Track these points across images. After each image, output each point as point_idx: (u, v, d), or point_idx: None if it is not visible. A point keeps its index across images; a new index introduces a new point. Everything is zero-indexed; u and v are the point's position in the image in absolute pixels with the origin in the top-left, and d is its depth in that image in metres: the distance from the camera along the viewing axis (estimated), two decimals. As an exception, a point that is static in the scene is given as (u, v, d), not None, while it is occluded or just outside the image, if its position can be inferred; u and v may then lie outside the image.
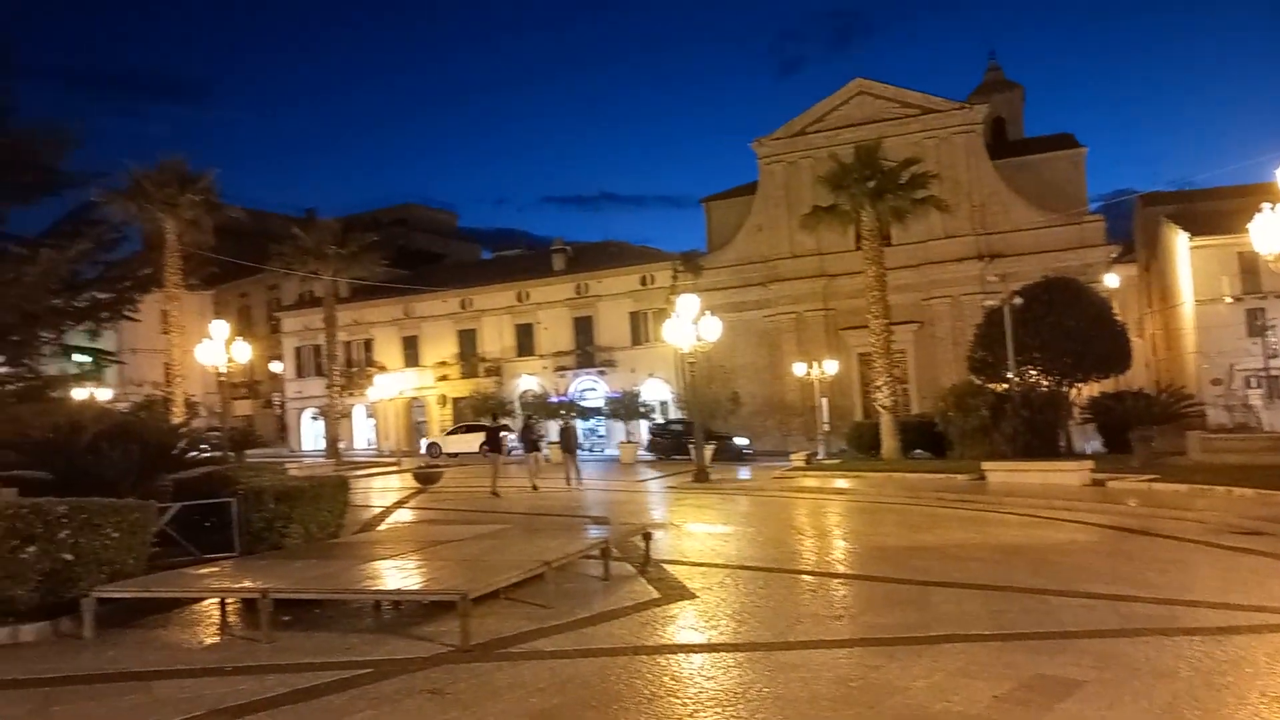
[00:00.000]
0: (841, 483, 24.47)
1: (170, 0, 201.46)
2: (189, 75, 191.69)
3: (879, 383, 30.90)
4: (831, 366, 38.84)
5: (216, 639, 8.51)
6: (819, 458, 32.58)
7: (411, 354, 55.33)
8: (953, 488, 21.57)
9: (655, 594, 9.69)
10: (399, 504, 21.91)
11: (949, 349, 42.08)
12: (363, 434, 57.51)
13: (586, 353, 50.11)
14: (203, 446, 14.98)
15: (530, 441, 26.36)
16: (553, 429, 38.28)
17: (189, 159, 34.40)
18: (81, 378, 38.95)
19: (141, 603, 9.05)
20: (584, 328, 50.55)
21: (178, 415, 30.39)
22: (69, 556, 8.59)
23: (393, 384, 54.18)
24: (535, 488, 23.72)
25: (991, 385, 28.72)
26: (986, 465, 23.13)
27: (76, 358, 40.43)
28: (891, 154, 32.89)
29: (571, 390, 49.92)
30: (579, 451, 28.14)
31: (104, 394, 39.79)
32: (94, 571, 8.74)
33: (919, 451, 29.53)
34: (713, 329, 25.78)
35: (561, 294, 51.19)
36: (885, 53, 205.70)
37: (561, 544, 10.61)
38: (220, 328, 27.74)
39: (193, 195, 33.16)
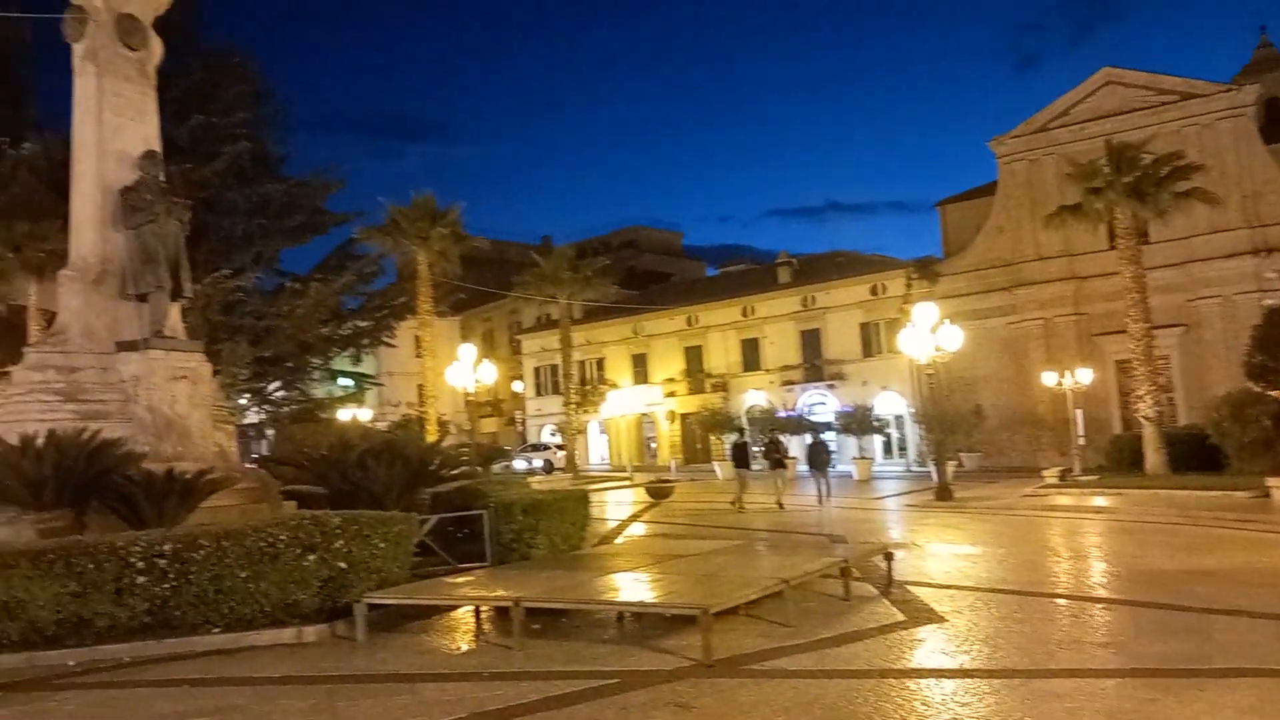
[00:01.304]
0: (1100, 500, 22.73)
1: (419, 49, 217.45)
2: (438, 116, 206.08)
3: (1140, 392, 28.54)
4: (1085, 376, 36.21)
5: (473, 645, 8.94)
6: (1074, 474, 30.42)
7: (641, 371, 56.57)
8: (1231, 506, 19.54)
9: (900, 616, 9.32)
10: (633, 518, 22.36)
11: (1220, 353, 38.24)
12: (597, 449, 59.31)
13: (815, 366, 49.40)
14: (463, 461, 15.84)
15: (774, 459, 25.68)
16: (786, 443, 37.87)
17: (438, 194, 36.87)
18: (346, 399, 42.72)
19: (405, 608, 9.66)
20: (811, 341, 49.86)
21: (431, 433, 32.43)
22: (343, 565, 9.31)
23: (624, 401, 55.66)
24: (780, 505, 23.26)
25: (1273, 393, 25.85)
26: (1271, 481, 20.78)
27: (341, 381, 44.39)
28: (1147, 145, 30.44)
29: (799, 405, 49.32)
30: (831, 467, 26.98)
31: (365, 414, 43.26)
32: (365, 579, 9.42)
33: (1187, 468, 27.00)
34: (952, 338, 24.69)
35: (787, 307, 50.77)
36: (1132, 40, 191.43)
37: (800, 561, 10.42)
38: (468, 351, 29.38)
39: (441, 228, 35.45)
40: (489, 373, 30.02)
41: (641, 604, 8.84)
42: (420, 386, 42.59)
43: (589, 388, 55.67)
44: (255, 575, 9.00)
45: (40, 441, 10.66)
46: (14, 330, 32.57)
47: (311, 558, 9.17)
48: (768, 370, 51.14)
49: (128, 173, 12.99)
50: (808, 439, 35.31)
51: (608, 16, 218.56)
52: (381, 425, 38.21)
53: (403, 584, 9.85)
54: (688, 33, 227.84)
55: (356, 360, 43.57)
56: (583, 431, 54.68)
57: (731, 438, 37.51)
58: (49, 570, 8.49)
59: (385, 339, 40.18)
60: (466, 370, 29.99)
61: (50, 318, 29.96)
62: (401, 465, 12.91)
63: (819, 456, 25.93)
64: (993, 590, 10.73)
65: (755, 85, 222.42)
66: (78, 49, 13.18)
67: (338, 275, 34.58)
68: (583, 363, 56.48)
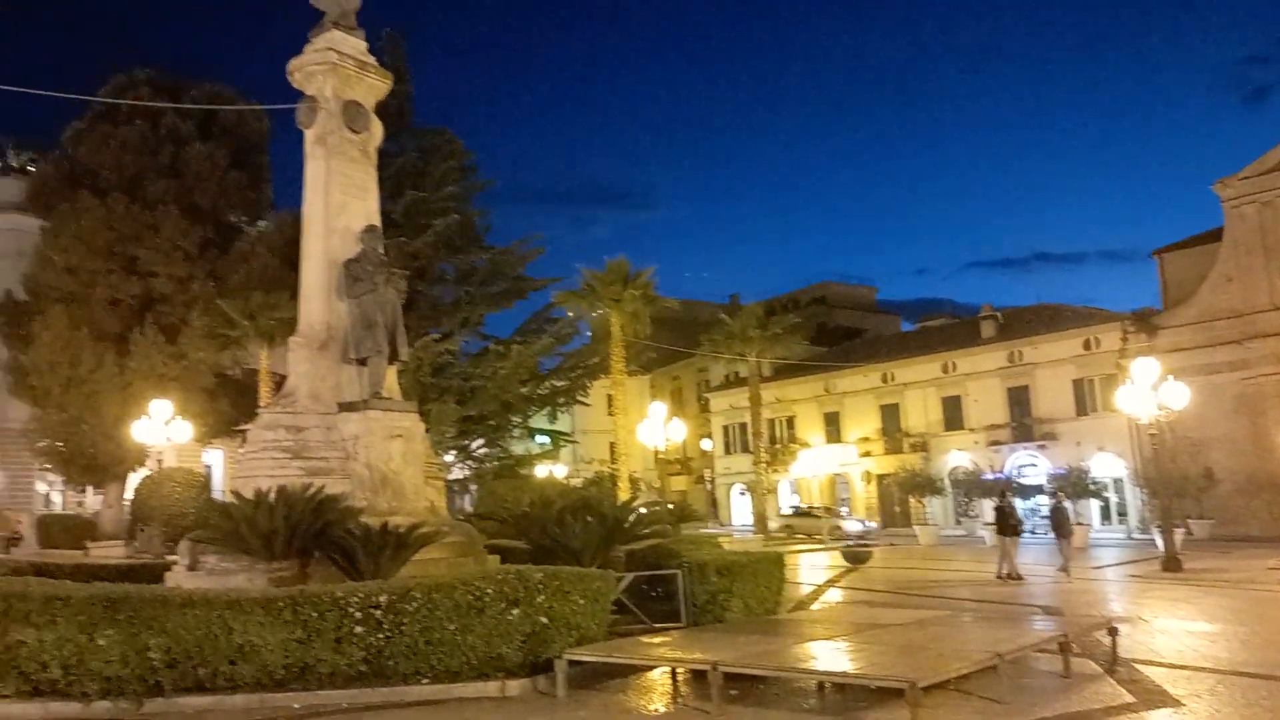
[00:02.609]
0: (1359, 576, 20.29)
1: (611, 123, 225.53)
2: (631, 184, 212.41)
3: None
4: (1332, 436, 32.72)
5: (670, 707, 8.88)
6: (1324, 545, 27.37)
7: (833, 430, 55.44)
8: None
9: (1129, 697, 8.58)
10: (830, 583, 21.74)
11: None
12: (789, 509, 58.40)
13: (1023, 425, 46.90)
14: (656, 520, 15.93)
15: (1009, 526, 22.47)
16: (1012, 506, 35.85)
17: (630, 258, 37.83)
18: (543, 456, 44.07)
19: (603, 666, 9.72)
20: (1019, 398, 47.44)
21: (623, 490, 32.88)
22: (545, 620, 9.49)
23: (816, 460, 54.61)
24: (1015, 576, 21.06)
25: None
26: None
27: (539, 439, 45.84)
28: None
29: (1007, 466, 46.83)
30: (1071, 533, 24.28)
31: (560, 470, 44.38)
32: (564, 634, 9.56)
33: None
34: (1177, 395, 22.91)
35: (992, 363, 48.60)
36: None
37: (1014, 635, 9.82)
38: (659, 409, 29.73)
39: (634, 290, 36.28)
40: (678, 431, 30.23)
41: (845, 674, 8.54)
42: (612, 444, 43.36)
43: (779, 446, 55.03)
44: (463, 628, 9.29)
45: (272, 496, 11.49)
46: (247, 391, 35.64)
47: (515, 612, 9.40)
48: (971, 429, 48.99)
49: (351, 246, 14.01)
50: (1049, 502, 32.38)
51: (795, 74, 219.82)
52: (576, 482, 39.09)
53: (600, 641, 9.93)
54: (879, 84, 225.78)
55: (553, 418, 44.96)
56: (773, 491, 53.97)
57: (991, 500, 34.35)
58: (279, 617, 9.08)
59: (580, 398, 41.31)
60: (657, 428, 30.33)
61: (279, 380, 32.62)
62: (598, 522, 13.12)
63: (1061, 522, 23.61)
64: (1236, 673, 9.72)
65: (953, 131, 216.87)
66: (309, 134, 14.42)
67: (537, 338, 36.00)
68: (772, 421, 55.94)
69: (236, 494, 11.88)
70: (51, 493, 45.61)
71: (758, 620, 11.73)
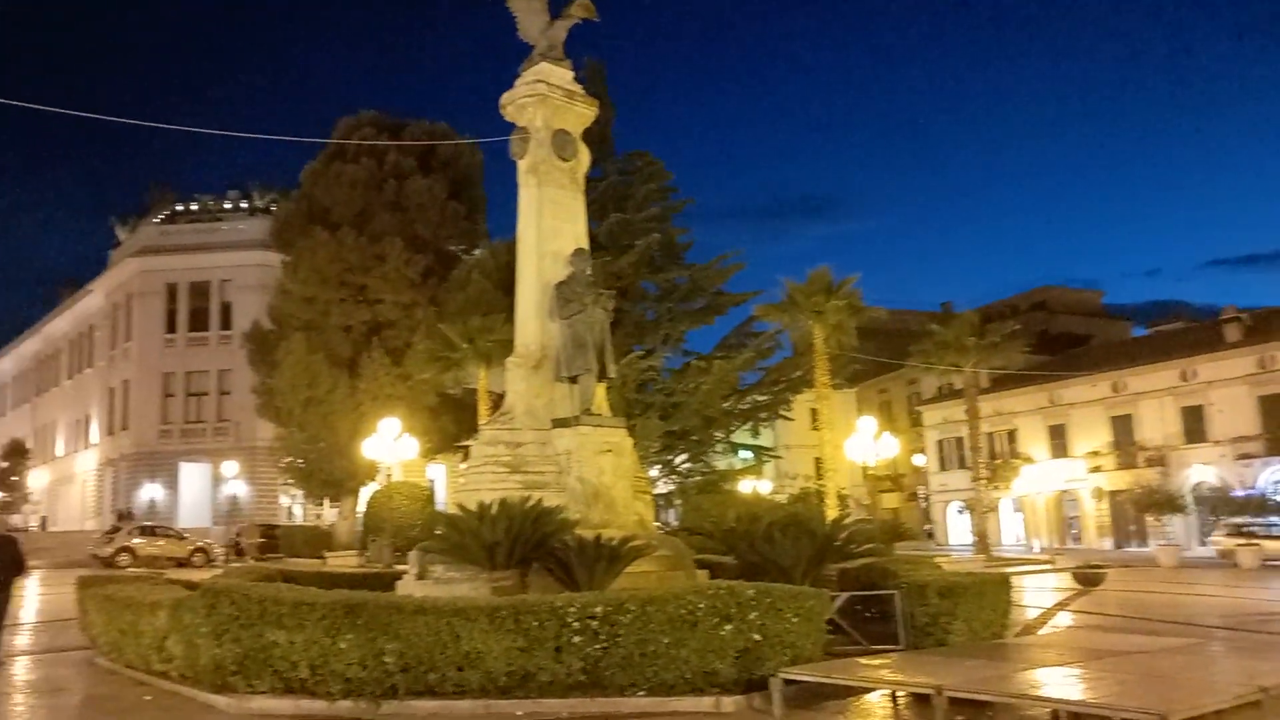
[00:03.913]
0: None
1: (812, 135, 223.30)
2: (833, 194, 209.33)
3: None
4: None
5: (891, 732, 8.55)
6: None
7: (1059, 444, 52.21)
8: None
9: None
10: (1059, 606, 20.40)
11: None
12: (1010, 529, 55.42)
13: (1278, 438, 42.56)
14: (868, 538, 15.49)
15: None
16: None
17: (832, 268, 37.08)
18: (746, 471, 43.91)
19: (819, 686, 9.49)
20: (1273, 408, 43.12)
21: (830, 507, 32.25)
22: (757, 637, 9.38)
23: (1040, 476, 51.59)
24: None
25: None
26: None
27: (742, 454, 45.72)
28: None
29: (1261, 482, 42.59)
30: None
31: (764, 486, 44.05)
32: (778, 653, 9.41)
33: None
34: None
35: (1239, 369, 44.39)
36: None
37: (1278, 667, 8.84)
38: (867, 424, 28.99)
39: (837, 301, 35.58)
40: (889, 446, 29.35)
41: (1084, 703, 7.94)
42: (818, 459, 42.62)
43: (999, 462, 52.39)
44: (676, 641, 9.32)
45: (494, 509, 11.98)
46: (467, 410, 37.49)
47: (728, 628, 9.34)
48: (1216, 442, 44.90)
49: (561, 269, 14.49)
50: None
51: (1004, 70, 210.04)
52: (780, 498, 38.69)
53: (815, 661, 9.71)
54: (1097, 76, 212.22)
55: (755, 433, 44.74)
56: (994, 509, 51.40)
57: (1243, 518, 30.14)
58: (501, 625, 9.41)
59: (783, 412, 40.89)
60: (865, 443, 29.55)
61: (496, 399, 34.10)
62: (808, 539, 12.87)
63: None
64: None
65: (1184, 120, 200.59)
66: (521, 164, 15.06)
67: (738, 352, 35.97)
68: (991, 435, 53.30)
69: (461, 506, 12.46)
70: (293, 505, 49.66)
71: (983, 644, 11.13)
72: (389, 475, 34.76)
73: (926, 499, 61.61)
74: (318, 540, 39.90)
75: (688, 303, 36.50)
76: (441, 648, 9.40)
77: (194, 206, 57.98)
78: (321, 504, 45.76)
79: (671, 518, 36.76)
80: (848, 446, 33.03)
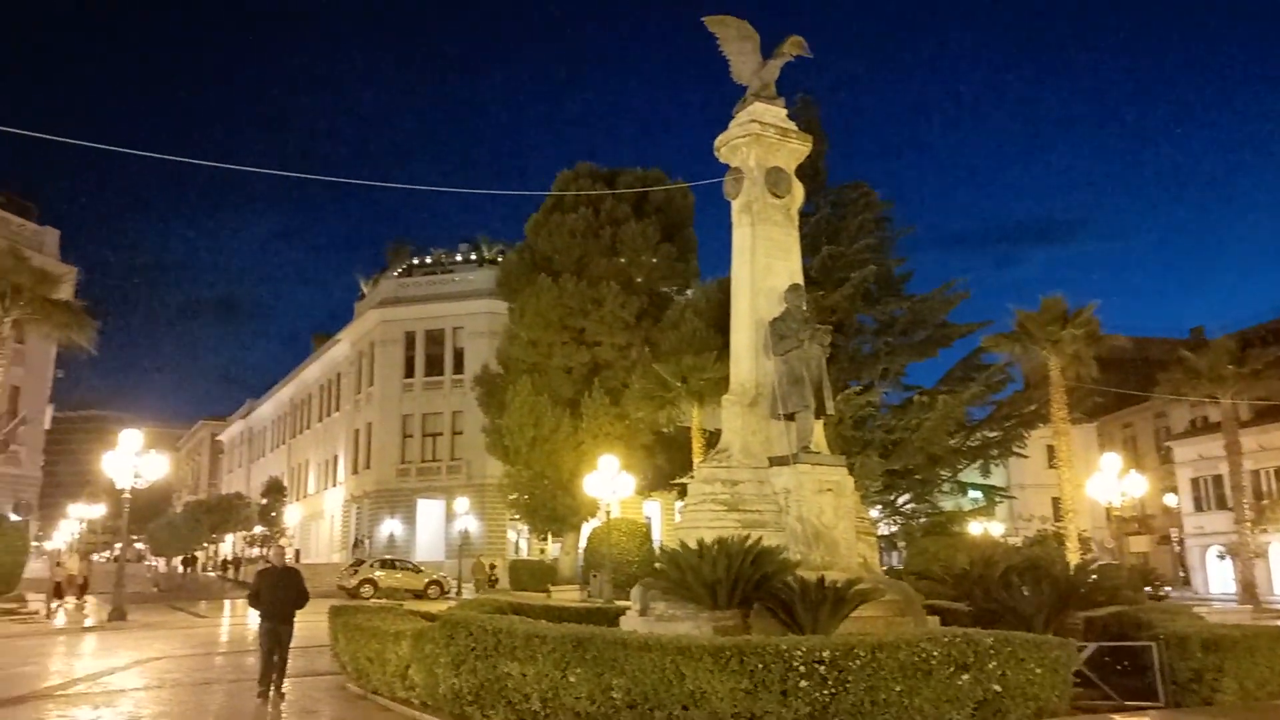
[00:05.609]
0: None
1: (1031, 157, 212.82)
2: (1063, 217, 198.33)
3: None
4: None
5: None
6: None
7: (1340, 482, 46.62)
8: None
9: None
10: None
11: None
12: (1282, 577, 49.76)
13: None
14: (1117, 584, 14.35)
15: None
16: None
17: (1068, 294, 34.88)
18: (976, 512, 41.70)
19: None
20: None
21: (1071, 551, 30.11)
22: (997, 688, 8.84)
23: (1318, 518, 46.14)
24: None
25: None
26: None
27: (971, 494, 43.51)
28: None
29: None
30: None
31: (996, 528, 41.69)
32: (1020, 705, 8.83)
33: None
34: None
35: None
36: None
37: None
38: (1111, 460, 26.99)
39: (1074, 329, 33.45)
40: (1136, 484, 27.15)
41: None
42: (1055, 499, 40.00)
43: (1267, 502, 47.31)
44: (909, 690, 8.93)
45: (713, 547, 11.95)
46: (681, 448, 37.84)
47: (965, 677, 8.86)
48: None
49: (776, 306, 14.41)
50: None
51: (1245, 81, 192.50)
52: (1014, 541, 36.49)
53: (1062, 715, 9.06)
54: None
55: (986, 472, 42.56)
56: (1262, 555, 46.37)
57: None
58: (726, 666, 9.31)
59: (1015, 449, 38.70)
60: (1109, 482, 27.45)
61: (709, 437, 34.22)
62: (1049, 585, 12.09)
63: None
64: None
65: None
66: (735, 204, 15.18)
67: (964, 386, 34.42)
68: (1257, 472, 48.24)
69: (682, 544, 12.51)
70: (519, 540, 51.62)
71: (1257, 705, 10.00)
72: (608, 512, 35.52)
73: (1180, 542, 56.40)
74: (542, 574, 41.25)
75: (908, 335, 35.36)
76: (667, 685, 9.40)
77: (428, 260, 62.11)
78: (546, 539, 47.33)
79: (895, 560, 35.43)
80: (1089, 485, 30.79)
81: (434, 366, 55.13)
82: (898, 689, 8.93)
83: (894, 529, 36.32)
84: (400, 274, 60.66)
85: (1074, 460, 35.76)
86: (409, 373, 55.47)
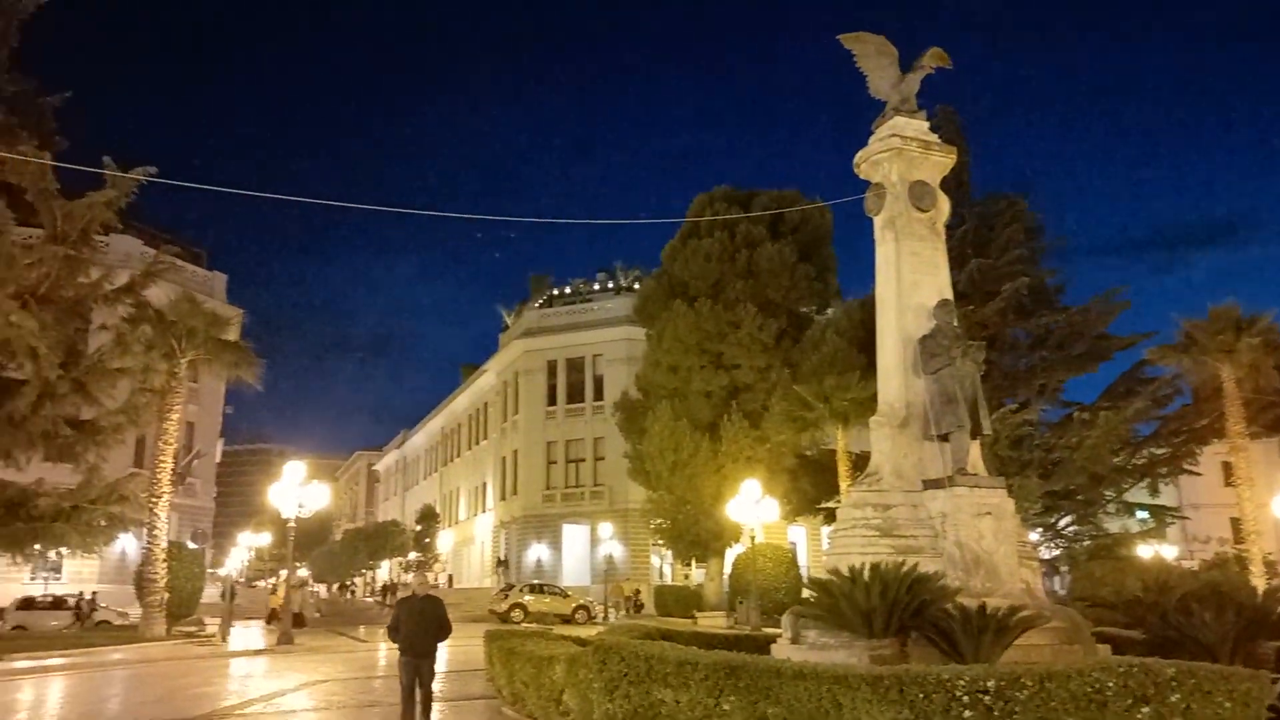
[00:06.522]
0: None
1: (1191, 156, 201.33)
2: (1229, 217, 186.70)
3: None
4: None
5: None
6: None
7: None
8: None
9: None
10: None
11: None
12: None
13: None
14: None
15: None
16: None
17: (1240, 301, 32.65)
18: (1145, 534, 39.32)
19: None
20: None
21: (1255, 575, 28.01)
22: (1181, 723, 8.26)
23: None
24: None
25: None
26: None
27: (1139, 515, 41.06)
28: None
29: None
30: None
31: (1168, 551, 39.20)
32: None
33: None
34: None
35: None
36: None
37: None
38: (1295, 478, 25.00)
39: (1250, 338, 31.29)
40: (1328, 504, 25.06)
41: None
42: (1235, 520, 37.32)
43: None
44: (1082, 724, 8.45)
45: (866, 574, 11.64)
46: (825, 471, 37.17)
47: (1145, 710, 8.31)
48: None
49: (924, 323, 14.02)
50: None
51: None
52: (1190, 564, 34.25)
53: (1258, 756, 8.35)
54: None
55: (1154, 491, 40.12)
56: None
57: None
58: (885, 695, 9.01)
59: (1186, 466, 36.43)
60: (1298, 502, 25.41)
61: (855, 459, 33.52)
62: (1233, 612, 11.27)
63: None
64: None
65: None
66: (878, 220, 14.90)
67: (1128, 401, 32.65)
68: None
69: (834, 571, 12.24)
70: (663, 565, 51.69)
71: None
72: (752, 537, 35.19)
73: (1381, 567, 51.76)
74: (687, 599, 41.16)
75: (1065, 349, 33.76)
76: (823, 714, 9.17)
77: (568, 290, 63.38)
78: (689, 564, 47.26)
79: (1058, 586, 33.75)
80: (1275, 504, 28.64)
81: (575, 394, 56.06)
82: (1070, 721, 8.46)
83: (1056, 553, 34.63)
84: (541, 305, 62.10)
85: (1255, 478, 33.30)
86: (551, 400, 56.57)
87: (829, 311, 40.62)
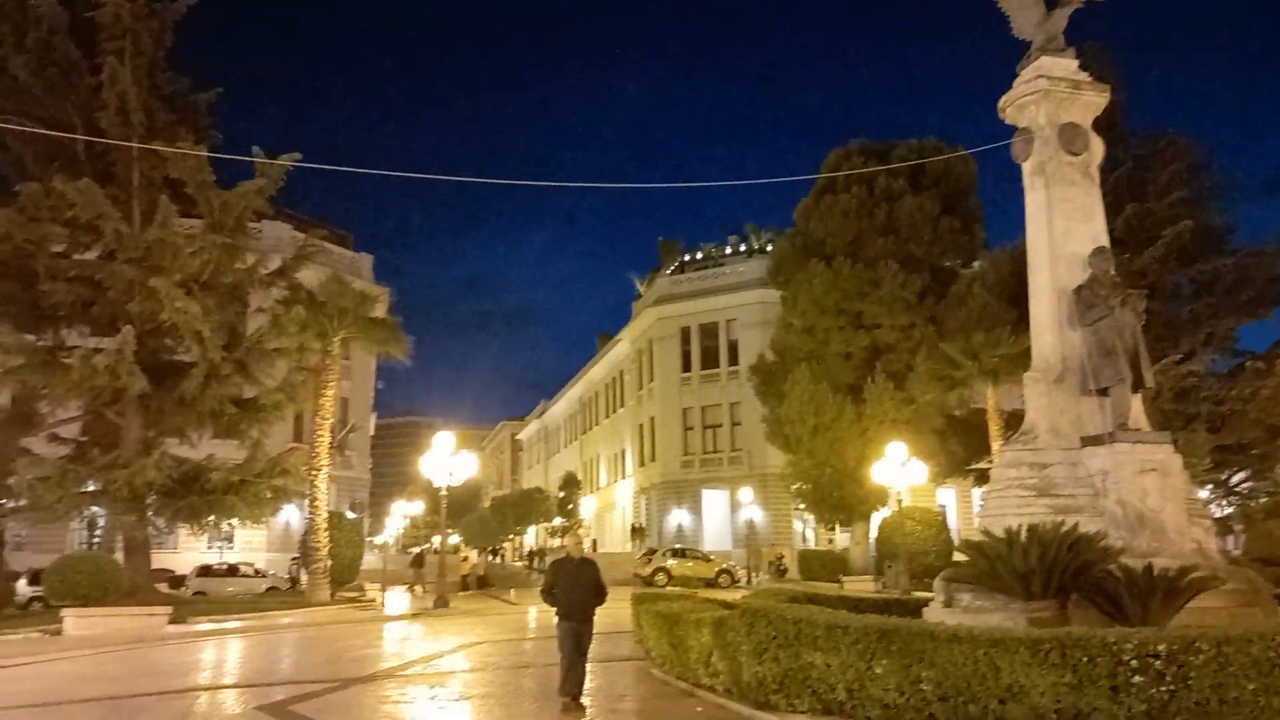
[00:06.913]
0: None
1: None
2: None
3: None
4: None
5: None
6: None
7: None
8: None
9: None
10: None
11: None
12: None
13: None
14: None
15: None
16: None
17: None
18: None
19: None
20: None
21: None
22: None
23: None
24: None
25: None
26: None
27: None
28: None
29: None
30: None
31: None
32: None
33: None
34: None
35: None
36: None
37: None
38: None
39: None
40: None
41: None
42: None
43: None
44: (1264, 688, 7.96)
45: (1023, 535, 11.21)
46: (975, 431, 36.00)
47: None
48: None
49: (1078, 272, 13.33)
50: None
51: None
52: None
53: None
54: None
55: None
56: None
57: None
58: (1045, 659, 8.69)
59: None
60: None
61: (1007, 417, 32.33)
62: None
63: None
64: None
65: None
66: (1026, 166, 14.19)
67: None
68: None
69: (987, 533, 11.84)
70: (806, 530, 51.30)
71: None
72: (899, 500, 34.46)
73: None
74: (832, 564, 40.74)
75: (1235, 295, 31.51)
76: (980, 679, 8.92)
77: (699, 255, 63.13)
78: (833, 528, 46.72)
79: (1231, 545, 31.84)
80: None
81: (710, 359, 55.95)
82: (1251, 687, 7.98)
83: (1229, 511, 32.62)
84: (673, 271, 62.08)
85: None
86: (686, 367, 56.64)
87: (975, 265, 39.09)
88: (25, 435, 30.28)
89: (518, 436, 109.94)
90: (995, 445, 30.71)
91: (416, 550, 45.07)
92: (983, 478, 36.42)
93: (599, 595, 10.93)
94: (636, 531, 56.93)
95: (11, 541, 37.40)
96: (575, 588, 10.79)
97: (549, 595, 10.92)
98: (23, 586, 31.49)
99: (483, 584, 41.21)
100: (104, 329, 28.17)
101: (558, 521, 69.12)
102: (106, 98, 26.91)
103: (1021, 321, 15.27)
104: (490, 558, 71.26)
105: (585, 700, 10.99)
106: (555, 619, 10.88)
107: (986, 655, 8.92)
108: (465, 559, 41.92)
